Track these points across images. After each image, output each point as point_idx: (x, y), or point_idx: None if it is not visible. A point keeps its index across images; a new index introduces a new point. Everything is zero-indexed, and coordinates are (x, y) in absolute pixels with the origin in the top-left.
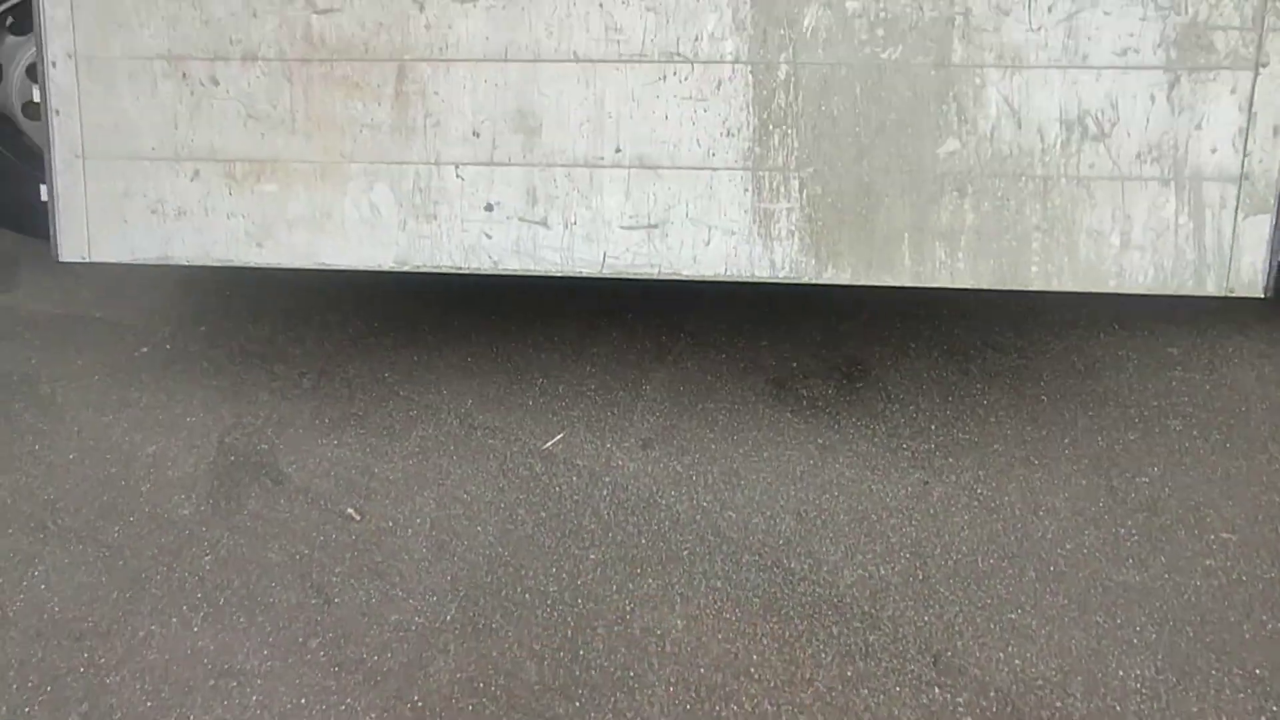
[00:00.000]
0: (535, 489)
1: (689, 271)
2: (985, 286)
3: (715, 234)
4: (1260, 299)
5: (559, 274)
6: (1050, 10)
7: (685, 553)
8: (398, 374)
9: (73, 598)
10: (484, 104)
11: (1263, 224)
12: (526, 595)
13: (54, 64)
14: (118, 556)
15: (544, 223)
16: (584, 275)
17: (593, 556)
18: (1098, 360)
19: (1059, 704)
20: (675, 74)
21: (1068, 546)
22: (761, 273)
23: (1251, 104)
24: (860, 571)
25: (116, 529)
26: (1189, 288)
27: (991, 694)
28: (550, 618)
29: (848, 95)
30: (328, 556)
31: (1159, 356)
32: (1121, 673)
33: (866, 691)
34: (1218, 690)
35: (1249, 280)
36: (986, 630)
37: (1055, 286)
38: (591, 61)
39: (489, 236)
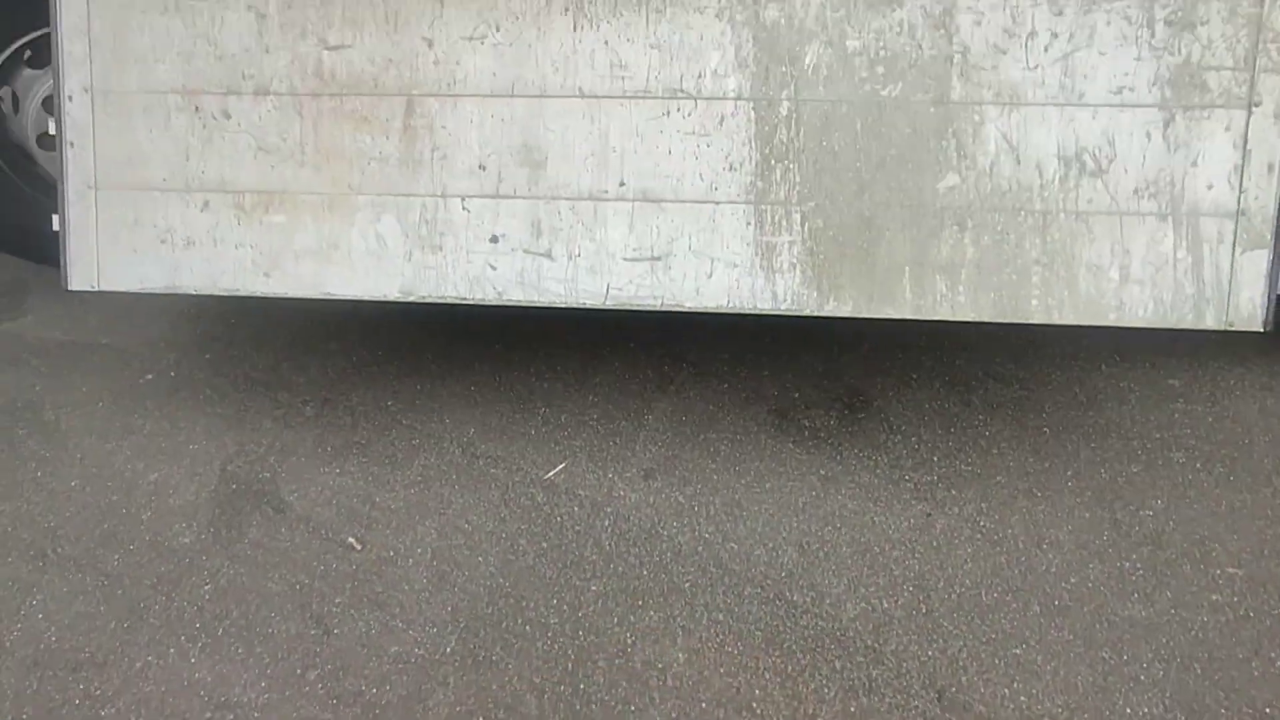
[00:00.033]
0: (537, 519)
1: (692, 303)
2: (986, 319)
3: (718, 266)
4: (1260, 333)
5: (563, 305)
6: (1047, 49)
7: (687, 584)
8: (401, 403)
9: (70, 627)
10: (490, 138)
11: (1260, 259)
12: (527, 627)
13: (70, 98)
14: (117, 585)
15: (548, 255)
16: (588, 306)
17: (594, 588)
18: (1099, 392)
19: None
20: (679, 110)
21: (1072, 580)
22: (764, 304)
23: (1246, 142)
24: (863, 604)
25: (116, 557)
26: (1189, 321)
27: None
28: (551, 650)
29: (848, 131)
30: (328, 586)
31: (1161, 389)
32: (1129, 710)
33: None
34: None
35: (1248, 314)
36: (991, 665)
37: (1056, 320)
38: (597, 97)
39: (494, 268)
